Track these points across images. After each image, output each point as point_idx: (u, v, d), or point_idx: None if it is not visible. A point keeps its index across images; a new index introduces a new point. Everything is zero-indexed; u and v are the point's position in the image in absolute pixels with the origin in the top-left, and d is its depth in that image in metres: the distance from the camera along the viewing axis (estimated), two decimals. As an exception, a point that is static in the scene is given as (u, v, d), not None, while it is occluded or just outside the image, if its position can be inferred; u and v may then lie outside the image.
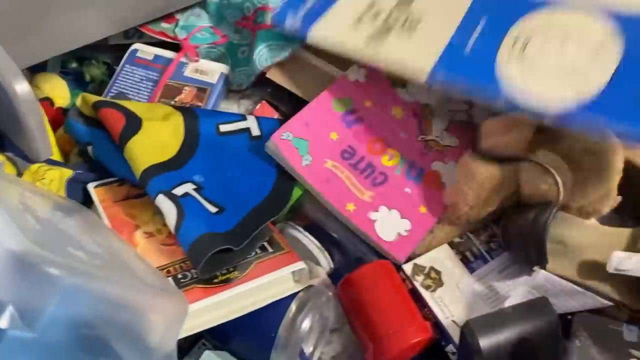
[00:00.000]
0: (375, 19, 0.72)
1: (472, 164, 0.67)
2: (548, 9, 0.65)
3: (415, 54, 0.68)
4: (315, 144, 0.70)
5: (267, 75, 0.77)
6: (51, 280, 0.37)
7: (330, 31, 0.73)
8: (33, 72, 0.86)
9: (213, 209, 0.63)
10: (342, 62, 0.76)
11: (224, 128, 0.73)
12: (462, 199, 0.66)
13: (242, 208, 0.64)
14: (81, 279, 0.40)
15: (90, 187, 0.67)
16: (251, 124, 0.74)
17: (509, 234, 0.66)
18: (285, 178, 0.69)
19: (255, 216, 0.64)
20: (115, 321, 0.42)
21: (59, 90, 0.84)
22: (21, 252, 0.38)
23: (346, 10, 0.74)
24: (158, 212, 0.62)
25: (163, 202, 0.61)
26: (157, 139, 0.68)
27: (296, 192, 0.70)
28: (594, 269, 0.62)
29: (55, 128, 0.77)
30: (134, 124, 0.68)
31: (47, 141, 0.60)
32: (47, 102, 0.81)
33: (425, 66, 0.66)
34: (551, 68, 0.62)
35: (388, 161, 0.72)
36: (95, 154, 0.70)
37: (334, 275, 0.68)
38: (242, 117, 0.75)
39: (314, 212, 0.71)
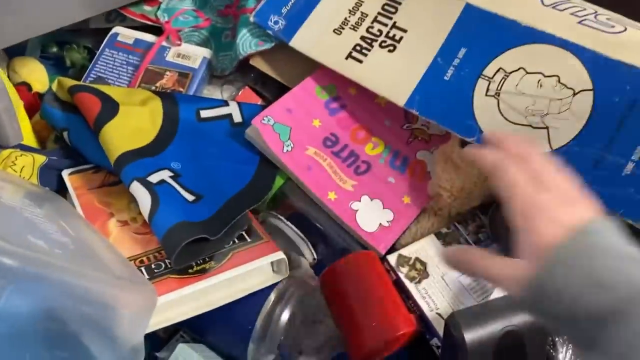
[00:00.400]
0: (358, 27, 0.70)
1: (454, 154, 0.65)
2: (528, 45, 0.63)
3: (396, 76, 0.67)
4: (297, 131, 0.68)
5: (251, 62, 0.75)
6: (4, 270, 0.35)
7: (312, 41, 0.71)
8: (11, 55, 0.83)
9: (190, 197, 0.61)
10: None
11: (204, 114, 0.71)
12: (443, 190, 0.64)
13: (221, 196, 0.62)
14: (38, 269, 0.38)
15: (65, 174, 0.65)
16: (233, 110, 0.72)
17: (496, 224, 0.64)
18: (267, 166, 0.67)
19: (234, 205, 0.61)
20: (78, 313, 0.40)
21: (37, 75, 0.82)
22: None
23: (329, 14, 0.72)
24: (134, 200, 0.60)
25: (137, 190, 0.59)
26: (134, 124, 0.66)
27: (278, 181, 0.67)
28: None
29: (32, 113, 0.75)
30: (110, 108, 0.66)
31: (17, 126, 0.57)
32: (24, 86, 0.79)
33: (405, 90, 0.66)
34: (524, 112, 0.61)
35: (372, 150, 0.70)
36: (71, 140, 0.68)
37: (317, 267, 0.66)
38: (224, 103, 0.73)
39: (297, 201, 0.69)
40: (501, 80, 0.63)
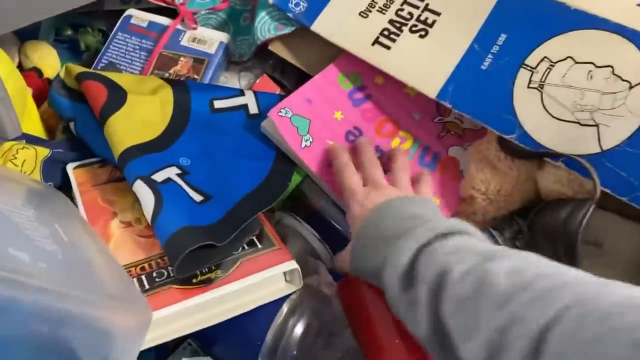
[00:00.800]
0: (386, 9, 0.64)
1: (490, 151, 0.58)
2: (578, 31, 0.56)
3: (427, 64, 0.61)
4: (317, 124, 0.62)
5: (270, 48, 0.70)
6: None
7: (335, 25, 0.65)
8: (23, 39, 0.79)
9: (198, 198, 0.56)
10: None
11: (218, 104, 0.66)
12: (478, 192, 0.58)
13: (231, 197, 0.57)
14: (11, 292, 0.34)
15: (69, 168, 0.61)
16: (249, 100, 0.67)
17: (536, 232, 0.58)
18: (284, 163, 0.62)
19: (245, 206, 0.56)
20: (58, 338, 0.36)
21: (48, 60, 0.78)
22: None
23: None
24: (139, 199, 0.56)
25: (140, 189, 0.54)
26: (141, 116, 0.61)
27: (295, 178, 0.62)
28: (636, 275, 0.53)
29: (42, 101, 0.72)
30: (117, 97, 0.61)
31: (14, 118, 0.53)
32: (34, 72, 0.76)
33: (437, 80, 0.60)
34: (571, 107, 0.54)
35: (399, 145, 0.64)
36: (78, 131, 0.63)
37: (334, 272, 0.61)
38: (240, 93, 0.67)
39: (315, 200, 0.63)
40: (546, 71, 0.56)
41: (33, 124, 0.68)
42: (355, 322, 0.57)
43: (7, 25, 0.68)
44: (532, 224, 0.60)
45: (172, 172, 0.57)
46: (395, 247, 0.47)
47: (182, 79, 0.70)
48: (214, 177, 0.59)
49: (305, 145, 0.61)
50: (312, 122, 0.62)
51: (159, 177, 0.55)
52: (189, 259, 0.49)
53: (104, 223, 0.55)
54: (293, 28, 0.68)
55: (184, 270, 0.50)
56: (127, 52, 0.74)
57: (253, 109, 0.66)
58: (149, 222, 0.53)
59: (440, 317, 0.43)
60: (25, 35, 0.79)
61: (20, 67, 0.77)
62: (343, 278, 0.58)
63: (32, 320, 0.35)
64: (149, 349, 0.50)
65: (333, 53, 0.66)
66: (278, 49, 0.70)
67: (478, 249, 0.45)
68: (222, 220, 0.54)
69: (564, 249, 0.54)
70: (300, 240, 0.62)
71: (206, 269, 0.51)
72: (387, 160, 0.62)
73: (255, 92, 0.67)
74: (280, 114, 0.61)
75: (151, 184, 0.54)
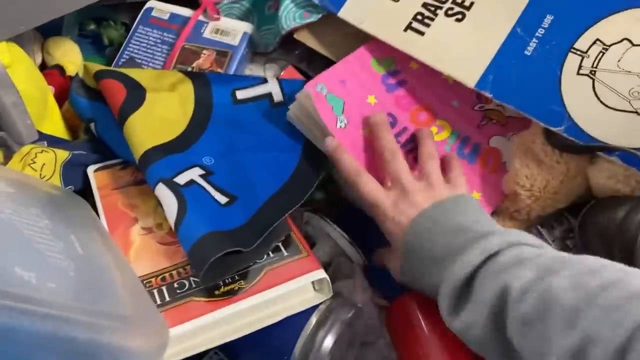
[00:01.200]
0: None
1: (536, 144, 0.53)
2: (635, 9, 0.51)
3: (465, 50, 0.56)
4: (351, 106, 0.58)
5: (296, 37, 0.66)
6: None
7: (364, 11, 0.61)
8: (46, 36, 0.78)
9: (223, 200, 0.53)
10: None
11: (241, 95, 0.62)
12: (522, 188, 0.53)
13: (258, 197, 0.54)
14: (12, 320, 0.31)
15: (90, 170, 0.59)
16: (273, 88, 0.63)
17: (588, 232, 0.53)
18: (312, 155, 0.58)
19: (273, 207, 0.53)
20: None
21: (71, 56, 0.76)
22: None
23: None
24: (160, 203, 0.53)
25: (163, 193, 0.51)
26: (161, 114, 0.58)
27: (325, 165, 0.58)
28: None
29: (65, 99, 0.70)
30: (136, 96, 0.59)
31: (29, 122, 0.51)
32: (56, 70, 0.74)
33: (476, 68, 0.55)
34: (628, 96, 0.49)
35: (436, 134, 0.59)
36: (98, 132, 0.61)
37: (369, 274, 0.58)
38: (263, 80, 0.64)
39: (348, 189, 0.60)
40: (598, 55, 0.51)
41: (55, 125, 0.66)
42: (402, 345, 0.52)
43: (30, 21, 0.66)
44: (583, 222, 0.55)
45: (195, 174, 0.54)
46: (447, 273, 0.45)
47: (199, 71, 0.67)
48: (239, 176, 0.56)
49: (341, 127, 0.56)
50: (346, 102, 0.57)
51: (181, 179, 0.53)
52: (214, 266, 0.46)
53: (124, 230, 0.53)
54: (319, 15, 0.64)
55: (209, 279, 0.47)
56: (148, 47, 0.71)
57: (278, 96, 0.62)
58: (172, 228, 0.50)
59: (507, 340, 0.42)
60: (49, 31, 0.77)
61: (43, 64, 0.75)
62: (393, 301, 0.53)
63: (36, 349, 0.32)
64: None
65: (362, 41, 0.62)
66: (305, 37, 0.66)
67: (534, 261, 0.43)
68: (248, 223, 0.51)
69: (621, 252, 0.50)
70: (330, 243, 0.59)
71: (229, 279, 0.48)
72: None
73: (279, 79, 0.64)
74: (317, 89, 0.56)
75: (174, 188, 0.51)
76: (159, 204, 0.53)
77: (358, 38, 0.62)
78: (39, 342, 0.32)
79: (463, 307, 0.44)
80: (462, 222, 0.48)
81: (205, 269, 0.46)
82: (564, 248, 0.56)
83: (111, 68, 0.64)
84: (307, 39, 0.65)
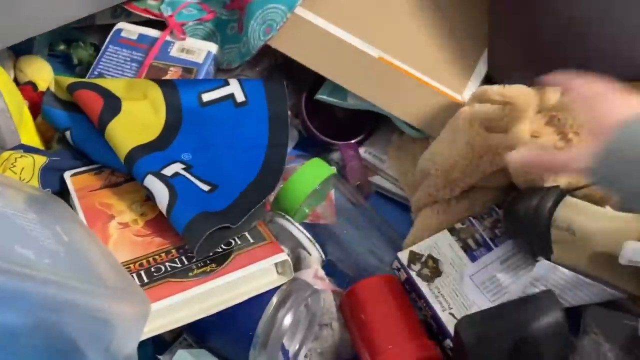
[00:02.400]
0: None
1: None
2: None
3: None
4: None
5: (269, 43, 0.71)
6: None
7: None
8: (18, 54, 0.82)
9: (206, 187, 0.60)
10: (351, 20, 0.69)
11: (206, 97, 0.69)
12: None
13: (235, 187, 0.61)
14: (19, 283, 0.36)
15: (67, 175, 0.64)
16: (235, 89, 0.70)
17: (510, 220, 0.61)
18: (276, 150, 0.66)
19: (251, 194, 0.61)
20: (65, 326, 0.39)
21: (42, 74, 0.81)
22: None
23: None
24: (136, 201, 0.59)
25: (153, 183, 0.58)
26: (138, 120, 0.65)
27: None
28: (606, 260, 0.56)
29: (37, 113, 0.74)
30: (112, 104, 0.65)
31: (13, 128, 0.56)
32: (29, 86, 0.78)
33: None
34: None
35: None
36: (74, 140, 0.66)
37: (326, 267, 0.64)
38: (224, 82, 0.70)
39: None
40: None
41: (29, 135, 0.71)
42: (354, 330, 0.59)
43: (3, 41, 0.71)
44: (506, 213, 0.62)
45: (178, 167, 0.61)
46: None
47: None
48: (216, 169, 0.63)
49: None
50: None
51: (167, 172, 0.59)
52: (206, 240, 0.53)
53: (102, 225, 0.58)
54: (278, 28, 0.70)
55: (204, 250, 0.53)
56: (118, 64, 0.77)
57: (240, 97, 0.69)
58: (165, 213, 0.56)
59: None
60: (20, 50, 0.81)
61: (15, 81, 0.79)
62: (345, 291, 0.61)
63: (38, 309, 0.37)
64: (147, 342, 0.53)
65: (333, 44, 0.68)
66: (278, 44, 0.70)
67: None
68: (231, 206, 0.58)
69: (537, 238, 0.57)
70: (292, 240, 0.64)
71: (202, 263, 0.54)
72: None
73: (239, 80, 0.70)
74: None
75: (162, 178, 0.58)
76: (134, 201, 0.59)
77: (328, 41, 0.68)
78: (41, 303, 0.37)
79: None
80: None
81: (200, 242, 0.52)
82: (493, 236, 0.63)
83: (83, 80, 0.69)
84: (280, 46, 0.71)
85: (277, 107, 0.69)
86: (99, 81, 0.68)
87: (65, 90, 0.66)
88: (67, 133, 0.67)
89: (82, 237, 0.52)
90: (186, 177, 0.60)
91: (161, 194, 0.57)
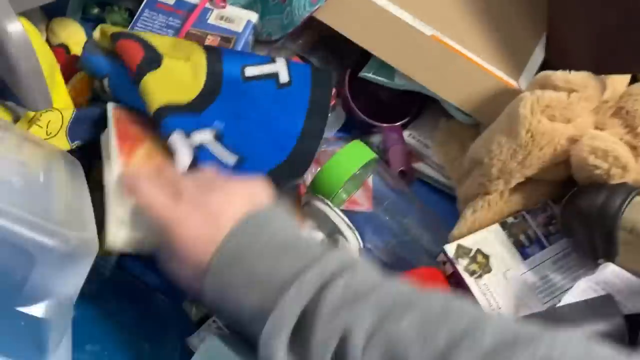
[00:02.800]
0: None
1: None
2: None
3: None
4: None
5: (315, 15, 0.67)
6: None
7: None
8: (50, 16, 0.79)
9: (232, 160, 0.58)
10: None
11: (249, 71, 0.65)
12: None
13: (264, 164, 0.59)
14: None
15: (110, 105, 0.62)
16: (280, 68, 0.66)
17: (570, 218, 0.57)
18: (310, 135, 0.62)
19: (279, 175, 0.58)
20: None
21: (76, 37, 0.78)
22: None
23: None
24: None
25: (177, 143, 0.56)
26: (176, 79, 0.62)
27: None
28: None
29: (69, 77, 0.72)
30: (153, 58, 0.62)
31: (45, 89, 0.53)
32: (62, 49, 0.76)
33: None
34: None
35: None
36: (112, 87, 0.64)
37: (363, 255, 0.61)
38: (271, 60, 0.67)
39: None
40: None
41: (62, 99, 0.68)
42: None
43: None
44: (564, 209, 0.58)
45: (207, 136, 0.58)
46: (279, 306, 0.40)
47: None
48: (247, 141, 0.60)
49: None
50: None
51: (196, 138, 0.57)
52: None
53: (128, 150, 0.56)
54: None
55: None
56: (153, 31, 0.73)
57: (284, 77, 0.65)
58: None
59: None
60: (53, 12, 0.78)
61: (47, 43, 0.77)
62: None
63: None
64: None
65: (384, 20, 0.64)
66: (324, 16, 0.67)
67: (369, 298, 0.39)
68: None
69: (601, 236, 0.53)
70: (328, 224, 0.61)
71: None
72: None
73: (287, 60, 0.67)
74: None
75: (188, 144, 0.56)
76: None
77: (378, 16, 0.64)
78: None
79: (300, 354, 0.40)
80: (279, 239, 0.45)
81: None
82: (547, 233, 0.59)
83: (128, 30, 0.66)
84: (326, 18, 0.67)
85: (321, 95, 0.65)
86: (145, 34, 0.65)
87: (108, 38, 0.64)
88: (105, 80, 0.64)
89: (62, 183, 0.49)
90: (212, 152, 0.57)
91: (183, 157, 0.55)
